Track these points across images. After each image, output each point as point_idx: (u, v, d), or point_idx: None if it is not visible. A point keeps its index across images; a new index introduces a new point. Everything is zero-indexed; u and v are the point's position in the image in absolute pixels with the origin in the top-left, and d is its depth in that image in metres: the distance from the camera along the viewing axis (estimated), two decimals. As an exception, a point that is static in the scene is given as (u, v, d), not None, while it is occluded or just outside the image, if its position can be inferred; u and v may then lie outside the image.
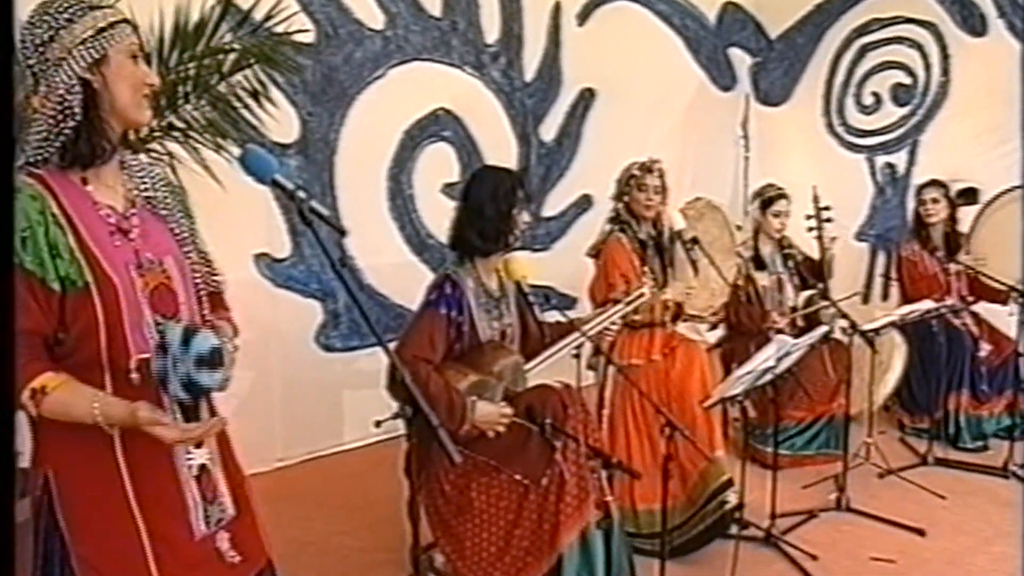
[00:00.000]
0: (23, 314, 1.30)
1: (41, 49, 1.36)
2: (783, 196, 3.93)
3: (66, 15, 1.37)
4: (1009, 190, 4.20)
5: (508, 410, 2.38)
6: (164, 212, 1.53)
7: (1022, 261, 3.77)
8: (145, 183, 1.52)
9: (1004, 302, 4.21)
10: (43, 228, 1.33)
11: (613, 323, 2.76)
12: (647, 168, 3.15)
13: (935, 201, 4.29)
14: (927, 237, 4.35)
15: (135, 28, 1.46)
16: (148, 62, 1.54)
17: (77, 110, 1.37)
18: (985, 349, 4.19)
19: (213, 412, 1.54)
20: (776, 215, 3.92)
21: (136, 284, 1.40)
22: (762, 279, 3.91)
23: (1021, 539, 2.98)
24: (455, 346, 2.40)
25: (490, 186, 2.45)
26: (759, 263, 3.94)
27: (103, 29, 1.38)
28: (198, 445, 1.47)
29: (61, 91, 1.36)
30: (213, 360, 1.34)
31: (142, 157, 1.65)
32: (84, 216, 1.38)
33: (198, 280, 1.53)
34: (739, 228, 3.92)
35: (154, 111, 1.58)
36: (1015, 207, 4.11)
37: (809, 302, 3.95)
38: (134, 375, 1.38)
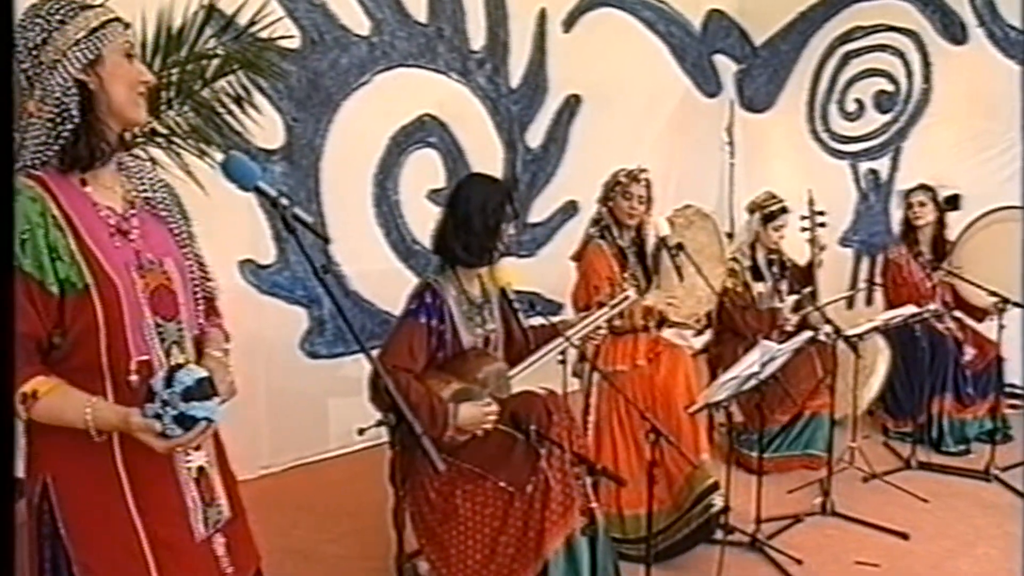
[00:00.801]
0: (20, 317, 1.29)
1: (34, 52, 1.35)
2: (785, 210, 3.95)
3: (58, 16, 1.35)
4: (999, 209, 4.19)
5: (493, 407, 2.36)
6: (164, 213, 1.52)
7: (1022, 274, 3.79)
8: (144, 184, 1.51)
9: (980, 320, 4.26)
10: (43, 230, 1.31)
11: (599, 327, 2.76)
12: (634, 177, 3.15)
13: (922, 204, 4.31)
14: (915, 241, 4.38)
15: (127, 26, 1.44)
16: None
17: (74, 112, 1.35)
18: (969, 353, 4.23)
19: None
20: (777, 229, 3.95)
21: (137, 285, 1.39)
22: (758, 287, 3.94)
23: (1021, 541, 3.00)
24: (438, 354, 2.39)
25: (480, 198, 2.41)
26: (756, 273, 3.96)
27: (96, 29, 1.37)
28: (196, 447, 1.45)
29: (57, 94, 1.34)
30: (202, 391, 1.31)
31: (139, 156, 1.62)
32: (84, 217, 1.37)
33: (196, 283, 1.52)
34: (729, 236, 3.95)
35: (150, 109, 1.56)
36: (1004, 227, 4.10)
37: (798, 306, 3.98)
38: (133, 377, 1.37)
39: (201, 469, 1.47)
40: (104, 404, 1.34)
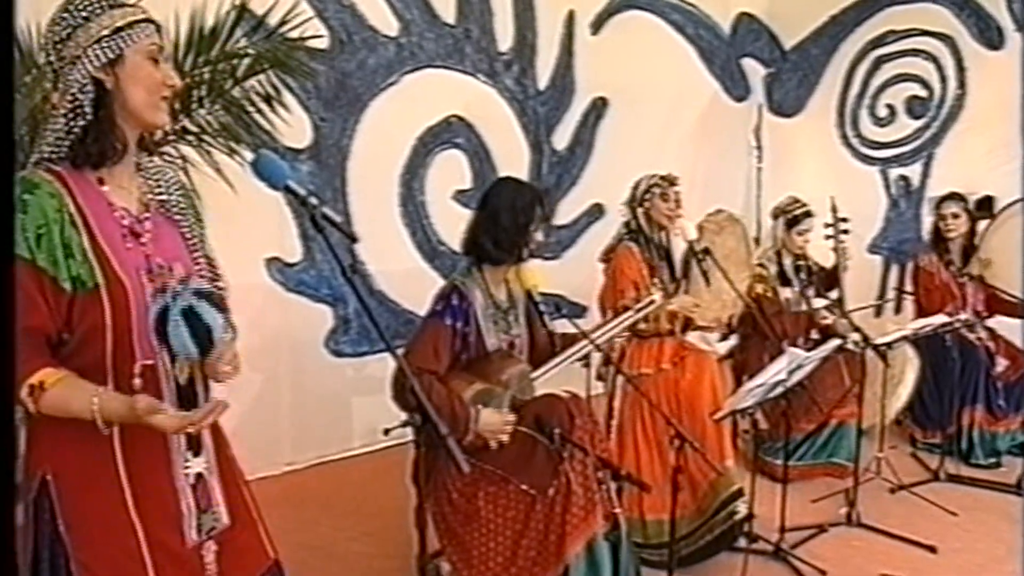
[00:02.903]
0: (31, 311, 1.29)
1: (59, 47, 1.36)
2: (809, 214, 3.91)
3: (84, 13, 1.36)
4: (1017, 201, 4.14)
5: (511, 417, 2.37)
6: (177, 217, 1.51)
7: (1022, 273, 3.73)
8: (160, 187, 1.50)
9: (1021, 316, 4.17)
10: (59, 226, 1.32)
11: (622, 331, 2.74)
12: (670, 181, 3.16)
13: (955, 216, 4.23)
14: (945, 250, 4.30)
15: (158, 28, 1.43)
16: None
17: (87, 109, 1.36)
18: (1002, 364, 4.14)
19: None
20: (801, 233, 3.91)
21: (146, 288, 1.38)
22: (785, 292, 3.91)
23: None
24: (462, 355, 2.40)
25: (509, 196, 2.46)
26: (784, 278, 3.92)
27: (120, 28, 1.37)
28: (196, 453, 1.45)
29: (74, 90, 1.35)
30: (212, 298, 1.31)
31: (157, 160, 1.63)
32: (99, 217, 1.37)
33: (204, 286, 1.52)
34: (756, 241, 3.92)
35: (170, 114, 1.56)
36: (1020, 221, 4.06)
37: (826, 312, 3.93)
38: (137, 380, 1.37)
39: (199, 475, 1.46)
40: (111, 394, 1.33)
